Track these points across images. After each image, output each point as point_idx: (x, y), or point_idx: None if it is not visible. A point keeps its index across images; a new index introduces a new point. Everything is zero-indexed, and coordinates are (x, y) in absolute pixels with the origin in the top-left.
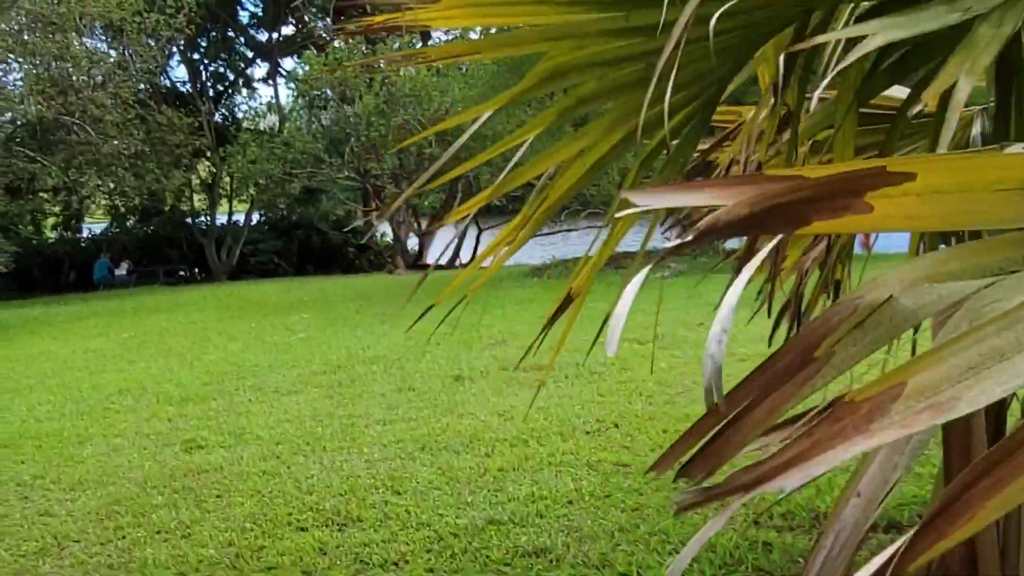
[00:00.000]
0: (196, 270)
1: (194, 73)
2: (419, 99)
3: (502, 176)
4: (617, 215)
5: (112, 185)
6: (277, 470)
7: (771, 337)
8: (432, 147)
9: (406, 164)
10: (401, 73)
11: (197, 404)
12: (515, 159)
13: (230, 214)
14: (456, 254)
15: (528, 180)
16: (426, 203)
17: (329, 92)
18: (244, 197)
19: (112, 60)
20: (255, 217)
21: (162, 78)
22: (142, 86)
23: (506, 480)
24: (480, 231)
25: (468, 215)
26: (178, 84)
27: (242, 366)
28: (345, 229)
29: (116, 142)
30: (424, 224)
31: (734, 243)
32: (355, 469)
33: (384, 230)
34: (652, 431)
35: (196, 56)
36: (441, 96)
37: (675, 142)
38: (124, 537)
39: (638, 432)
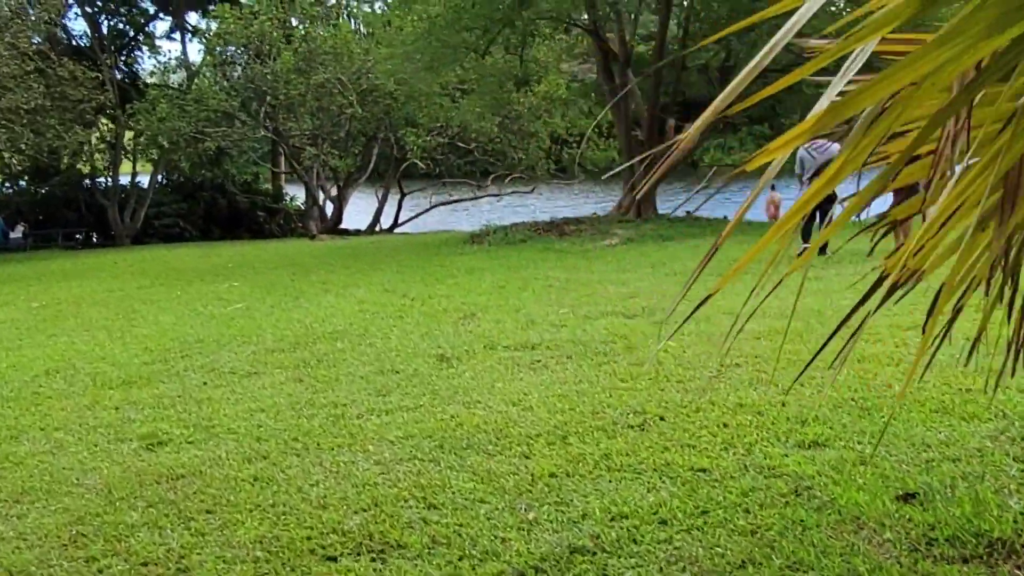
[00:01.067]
0: (94, 234)
1: (93, 27)
2: (338, 57)
3: (820, 103)
4: None
5: (8, 142)
6: (271, 475)
7: (924, 324)
8: (353, 107)
9: (324, 124)
10: (320, 31)
11: (143, 388)
12: (842, 75)
13: (133, 175)
14: (376, 219)
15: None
16: (342, 164)
17: (239, 48)
18: (149, 156)
19: (7, 9)
20: (159, 178)
21: (59, 31)
22: (37, 39)
23: (564, 490)
24: (403, 195)
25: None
26: (77, 39)
27: (184, 341)
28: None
29: (14, 95)
30: (340, 185)
31: (711, 210)
32: (368, 475)
33: (296, 193)
34: (711, 425)
35: (95, 9)
36: (364, 54)
37: None
38: (101, 572)
39: (694, 427)
